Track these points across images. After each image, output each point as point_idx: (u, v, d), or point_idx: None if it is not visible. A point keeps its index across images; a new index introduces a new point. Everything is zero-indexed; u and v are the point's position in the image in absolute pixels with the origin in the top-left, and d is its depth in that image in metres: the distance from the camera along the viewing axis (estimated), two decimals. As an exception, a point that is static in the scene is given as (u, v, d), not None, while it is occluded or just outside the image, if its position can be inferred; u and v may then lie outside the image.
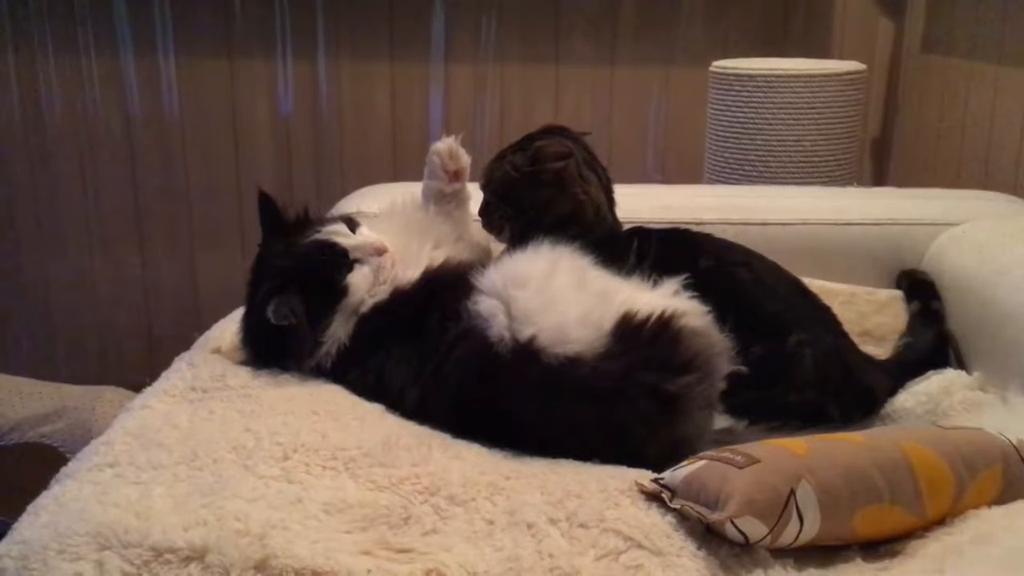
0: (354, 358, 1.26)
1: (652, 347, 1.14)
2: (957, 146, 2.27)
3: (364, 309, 1.28)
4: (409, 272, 1.30)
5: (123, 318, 2.91)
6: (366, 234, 1.32)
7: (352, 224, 1.33)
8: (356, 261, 1.29)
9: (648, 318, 1.16)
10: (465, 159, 1.41)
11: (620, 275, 1.27)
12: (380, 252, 1.30)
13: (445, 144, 1.40)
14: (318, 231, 1.31)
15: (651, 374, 1.13)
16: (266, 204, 1.35)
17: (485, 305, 1.18)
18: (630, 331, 1.15)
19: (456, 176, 1.42)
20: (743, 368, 1.21)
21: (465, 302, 1.20)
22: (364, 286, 1.28)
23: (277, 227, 1.35)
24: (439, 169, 1.41)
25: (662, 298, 1.21)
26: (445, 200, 1.42)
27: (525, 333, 1.14)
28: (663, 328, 1.16)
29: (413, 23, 2.69)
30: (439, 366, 1.19)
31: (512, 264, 1.25)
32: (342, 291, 1.27)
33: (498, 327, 1.16)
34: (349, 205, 1.76)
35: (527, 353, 1.13)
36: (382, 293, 1.29)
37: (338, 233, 1.30)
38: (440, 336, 1.21)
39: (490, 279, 1.22)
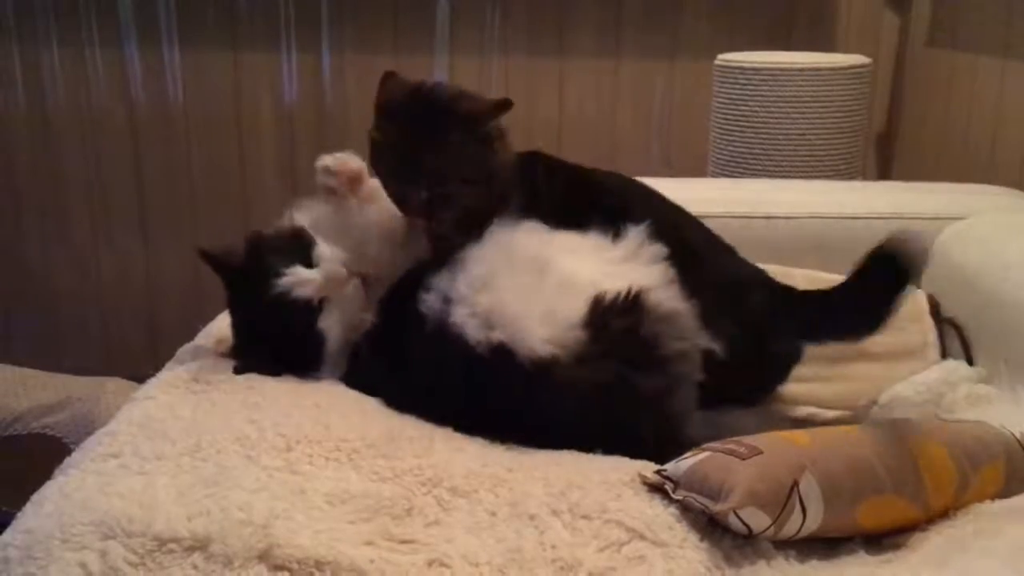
0: (352, 384, 1.26)
1: (626, 343, 1.13)
2: (962, 140, 2.27)
3: (356, 337, 1.26)
4: (383, 282, 1.28)
5: (127, 309, 2.91)
6: (325, 266, 1.24)
7: (306, 243, 1.26)
8: (323, 301, 1.24)
9: (615, 301, 1.15)
10: (356, 162, 1.33)
11: (577, 233, 1.24)
12: (342, 285, 1.25)
13: (331, 159, 1.31)
14: (278, 275, 1.22)
15: (629, 373, 1.12)
16: (211, 260, 1.28)
17: (458, 315, 1.16)
18: (601, 323, 1.14)
19: (357, 181, 1.33)
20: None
21: (436, 311, 1.18)
22: (339, 326, 1.25)
23: (232, 273, 1.29)
24: (340, 186, 1.32)
25: (624, 272, 1.19)
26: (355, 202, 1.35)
27: (496, 338, 1.13)
28: (635, 317, 1.14)
29: (417, 15, 2.69)
30: (420, 379, 1.20)
31: (468, 266, 1.22)
32: (320, 338, 1.25)
33: (473, 333, 1.15)
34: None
35: (502, 356, 1.12)
36: (369, 313, 1.27)
37: (297, 283, 1.23)
38: (421, 350, 1.20)
39: (452, 285, 1.20)
